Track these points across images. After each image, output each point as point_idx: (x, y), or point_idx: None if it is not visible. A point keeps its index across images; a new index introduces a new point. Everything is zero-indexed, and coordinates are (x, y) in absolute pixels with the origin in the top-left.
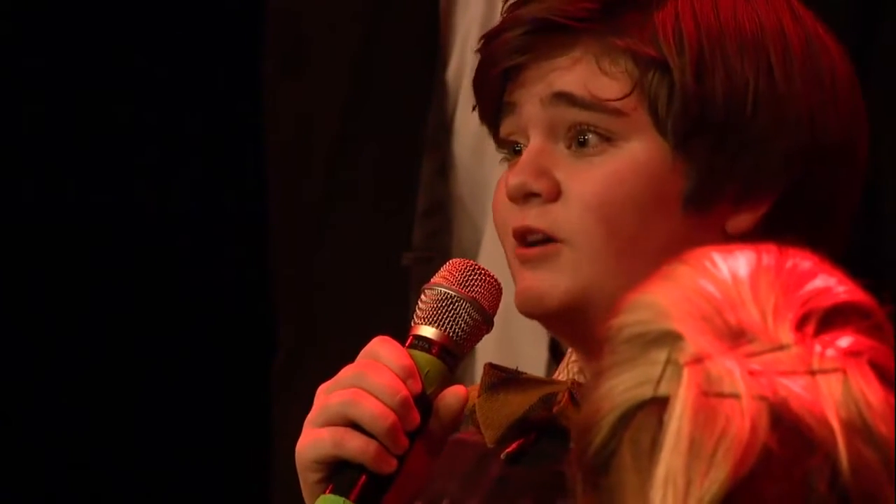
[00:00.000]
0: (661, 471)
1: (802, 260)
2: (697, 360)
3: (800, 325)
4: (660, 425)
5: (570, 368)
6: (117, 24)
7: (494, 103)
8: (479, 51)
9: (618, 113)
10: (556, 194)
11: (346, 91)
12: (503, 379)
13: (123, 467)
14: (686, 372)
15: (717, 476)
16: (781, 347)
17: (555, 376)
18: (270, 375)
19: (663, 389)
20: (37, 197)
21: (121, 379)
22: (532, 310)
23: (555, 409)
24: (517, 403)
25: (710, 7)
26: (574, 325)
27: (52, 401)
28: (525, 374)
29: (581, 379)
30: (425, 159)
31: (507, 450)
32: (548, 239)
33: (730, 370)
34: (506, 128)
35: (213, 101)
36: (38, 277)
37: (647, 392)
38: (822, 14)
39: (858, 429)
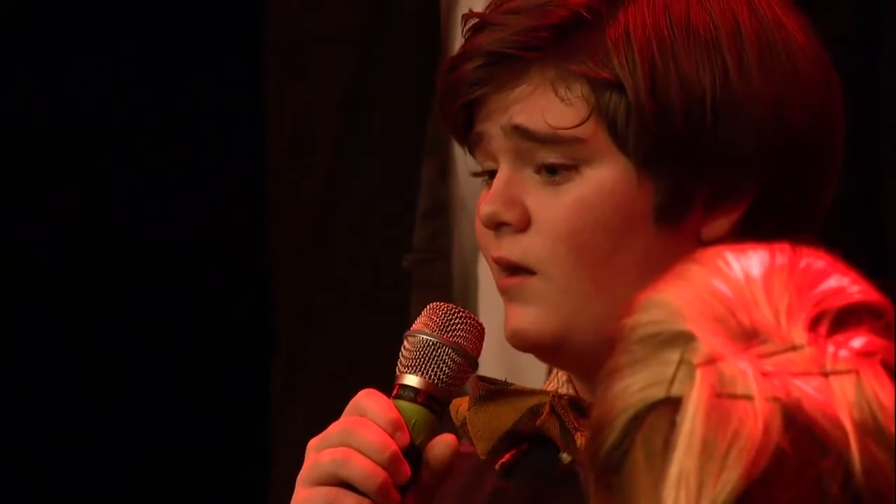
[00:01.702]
0: (673, 472)
1: (816, 260)
2: (710, 360)
3: (813, 325)
4: (672, 426)
5: (559, 378)
6: (114, 23)
7: (463, 133)
8: (440, 80)
9: (577, 140)
10: (526, 223)
11: (347, 92)
12: (492, 391)
13: (122, 469)
14: (699, 373)
15: (730, 477)
16: (794, 348)
17: (544, 385)
18: (270, 378)
19: (676, 390)
20: (33, 198)
21: (118, 382)
22: (520, 346)
23: (538, 422)
24: (506, 415)
25: (663, 16)
26: (563, 354)
27: (50, 402)
28: (513, 385)
29: (567, 390)
30: (426, 161)
31: (501, 460)
32: (522, 269)
33: (742, 371)
34: (478, 155)
35: (214, 101)
36: (34, 279)
37: (659, 393)
38: (825, 15)
39: (871, 430)
